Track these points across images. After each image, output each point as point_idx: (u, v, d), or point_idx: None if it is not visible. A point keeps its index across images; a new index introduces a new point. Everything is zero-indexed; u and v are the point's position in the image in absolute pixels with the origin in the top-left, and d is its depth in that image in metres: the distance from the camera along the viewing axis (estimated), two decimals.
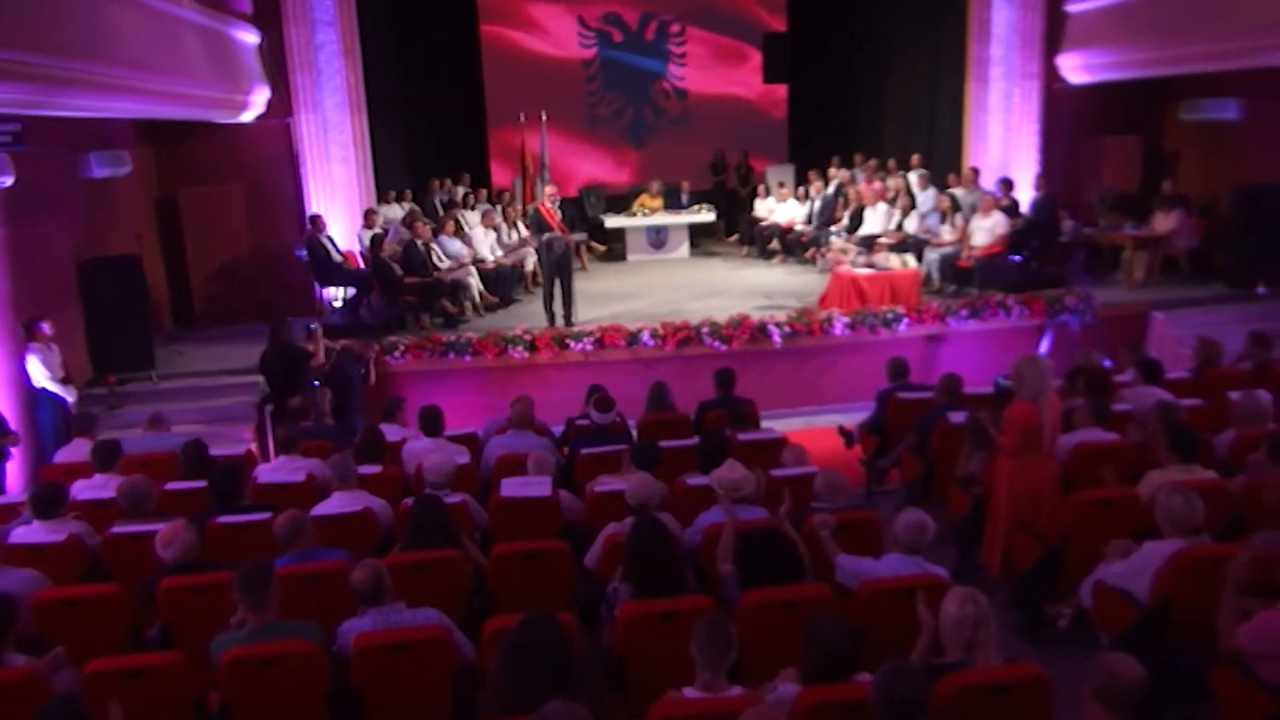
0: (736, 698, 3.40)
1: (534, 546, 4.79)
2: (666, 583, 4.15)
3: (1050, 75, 12.71)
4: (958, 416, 6.55)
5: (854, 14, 16.74)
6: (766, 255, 14.73)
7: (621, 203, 15.97)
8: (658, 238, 15.26)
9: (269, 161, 11.79)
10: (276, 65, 11.53)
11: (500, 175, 16.54)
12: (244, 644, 3.90)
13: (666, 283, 13.25)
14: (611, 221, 15.33)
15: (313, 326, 8.65)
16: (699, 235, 16.02)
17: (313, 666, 3.89)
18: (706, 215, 15.30)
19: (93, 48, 7.28)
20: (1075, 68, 12.45)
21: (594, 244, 15.10)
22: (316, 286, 11.62)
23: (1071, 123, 12.89)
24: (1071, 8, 12.39)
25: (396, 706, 4.01)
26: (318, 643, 3.95)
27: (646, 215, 15.20)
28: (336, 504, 5.44)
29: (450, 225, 12.03)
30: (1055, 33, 12.56)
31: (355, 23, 11.86)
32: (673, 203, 15.83)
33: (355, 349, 9.54)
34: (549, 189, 10.80)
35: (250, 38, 11.24)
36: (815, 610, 4.15)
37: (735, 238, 15.83)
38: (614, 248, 15.59)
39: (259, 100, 11.28)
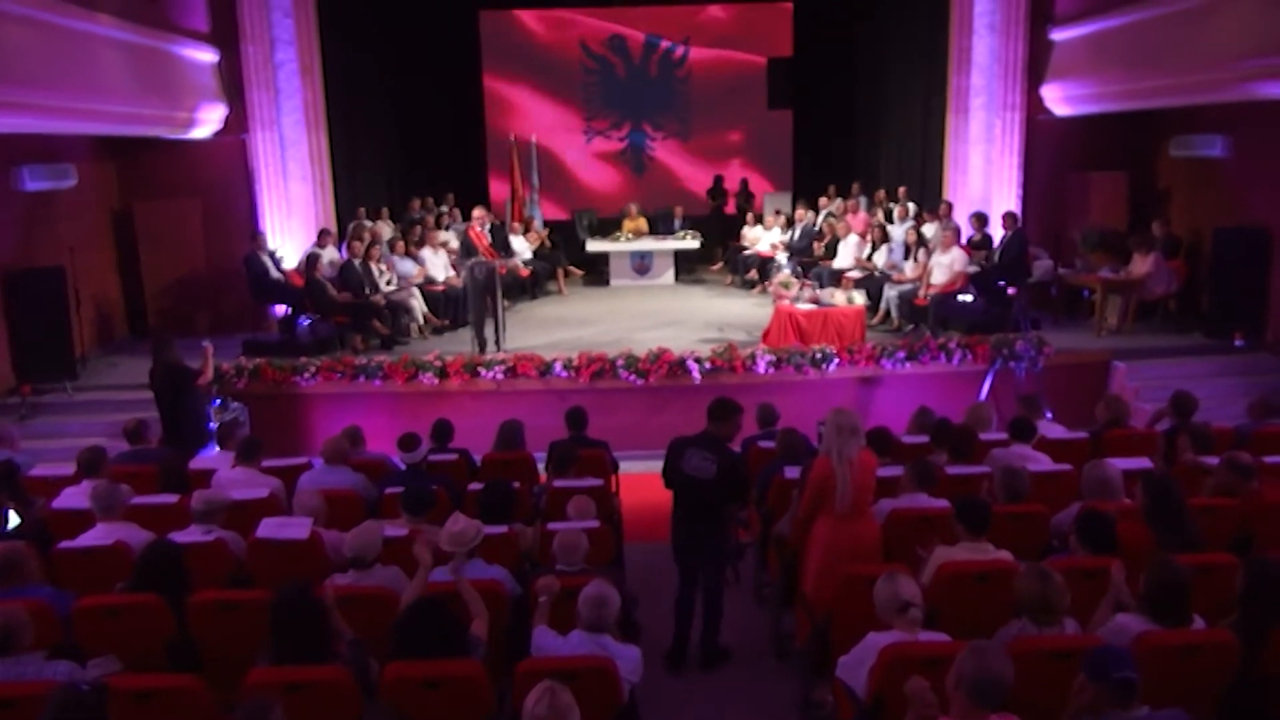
0: None
1: (231, 596, 4.55)
2: (308, 650, 3.86)
3: (1034, 106, 12.03)
4: (794, 472, 6.09)
5: (857, 40, 16.29)
6: (748, 285, 14.33)
7: (615, 226, 15.73)
8: (641, 263, 14.96)
9: (225, 177, 11.87)
10: (234, 83, 11.62)
11: (500, 195, 16.49)
12: None
13: (633, 310, 12.94)
14: (593, 245, 15.08)
15: (204, 344, 8.54)
16: (690, 261, 15.67)
17: None
18: (691, 242, 14.94)
19: None
20: (1059, 99, 11.75)
21: (572, 268, 14.91)
22: (269, 304, 11.66)
23: (1056, 156, 12.18)
24: (1057, 35, 11.72)
25: None
26: None
27: (630, 240, 14.92)
28: (92, 536, 5.28)
29: (401, 245, 11.95)
30: (1039, 62, 11.89)
31: (316, 42, 11.89)
32: (663, 227, 15.54)
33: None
34: (477, 212, 10.58)
35: (206, 56, 11.34)
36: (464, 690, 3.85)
37: (720, 265, 15.47)
38: (602, 272, 15.36)
39: (211, 117, 11.36)
